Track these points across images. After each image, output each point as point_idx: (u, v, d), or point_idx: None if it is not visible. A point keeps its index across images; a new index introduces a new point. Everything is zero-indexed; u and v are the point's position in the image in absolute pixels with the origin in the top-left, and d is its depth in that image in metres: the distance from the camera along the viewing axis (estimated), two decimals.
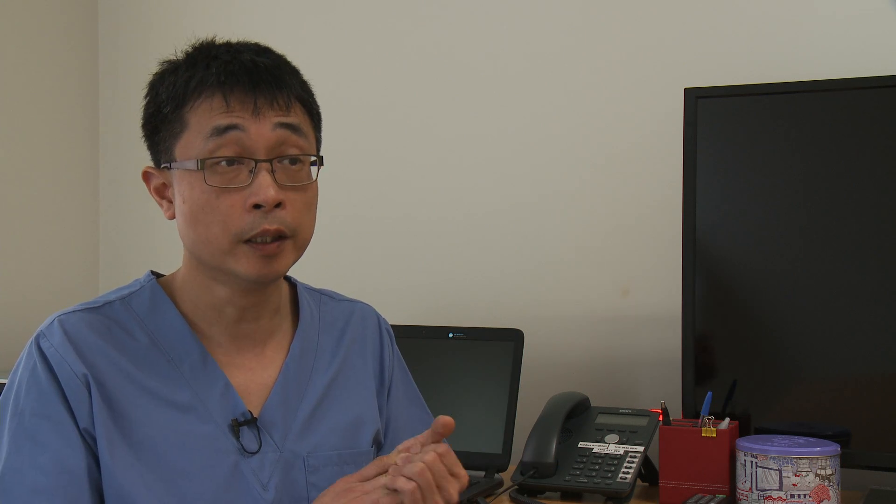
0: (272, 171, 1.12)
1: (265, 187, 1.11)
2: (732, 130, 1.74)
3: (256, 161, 1.12)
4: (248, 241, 1.12)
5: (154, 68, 1.20)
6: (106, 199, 2.55)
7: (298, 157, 1.15)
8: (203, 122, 1.12)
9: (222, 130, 1.11)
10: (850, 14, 1.85)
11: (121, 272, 2.50)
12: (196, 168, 1.12)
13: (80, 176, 2.52)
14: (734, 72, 1.88)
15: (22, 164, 2.36)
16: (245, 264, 1.13)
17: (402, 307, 2.15)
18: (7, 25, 2.32)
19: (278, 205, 1.12)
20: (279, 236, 1.13)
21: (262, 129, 1.12)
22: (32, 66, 2.39)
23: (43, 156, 2.42)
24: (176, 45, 1.20)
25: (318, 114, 1.23)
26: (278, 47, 1.23)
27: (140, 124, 1.21)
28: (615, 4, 2.04)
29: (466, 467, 1.45)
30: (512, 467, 1.85)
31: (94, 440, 1.11)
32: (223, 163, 1.12)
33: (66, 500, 1.08)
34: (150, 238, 2.48)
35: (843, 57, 1.82)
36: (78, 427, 1.10)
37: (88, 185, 2.54)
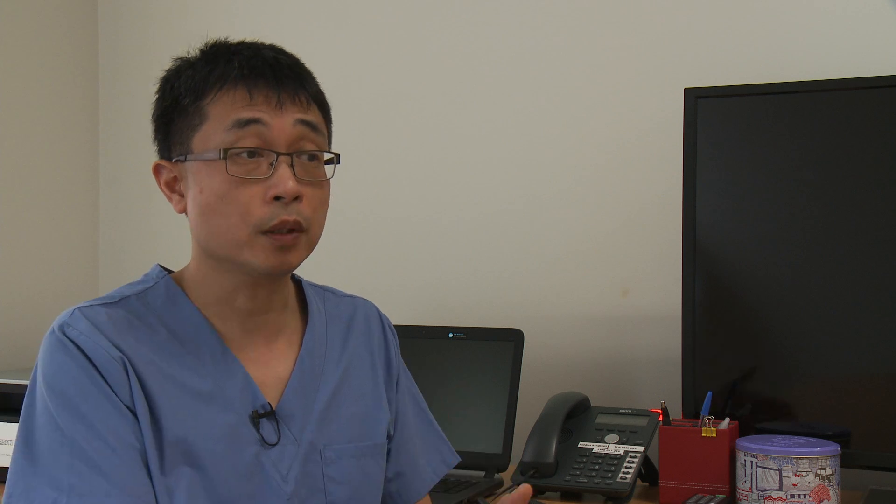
0: (292, 165, 1.14)
1: (285, 179, 1.12)
2: (732, 130, 1.74)
3: (277, 154, 1.13)
4: (265, 233, 1.13)
5: (154, 68, 1.21)
6: (106, 199, 2.55)
7: (317, 152, 1.17)
8: (224, 113, 1.13)
9: (245, 123, 1.13)
10: (850, 14, 1.85)
11: (121, 272, 2.50)
12: (217, 157, 1.12)
13: (80, 176, 2.52)
14: (734, 72, 1.88)
15: (22, 163, 2.36)
16: (262, 256, 1.13)
17: (402, 307, 2.15)
18: (7, 25, 2.32)
19: (297, 198, 1.13)
20: (295, 229, 1.14)
21: (283, 124, 1.14)
22: (32, 66, 2.39)
23: (43, 156, 2.41)
24: (176, 45, 1.21)
25: (330, 115, 1.24)
26: (281, 46, 1.23)
27: (150, 119, 1.21)
28: (615, 4, 2.05)
29: (466, 467, 1.45)
30: (512, 467, 1.85)
31: (137, 419, 1.11)
32: (244, 154, 1.13)
33: (141, 472, 1.08)
34: (150, 237, 2.48)
35: (843, 57, 1.82)
36: (124, 404, 1.10)
37: (88, 185, 2.54)
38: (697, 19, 1.97)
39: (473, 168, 2.17)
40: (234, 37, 1.23)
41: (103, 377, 1.10)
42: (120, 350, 1.11)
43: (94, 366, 1.10)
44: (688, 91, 1.75)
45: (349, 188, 2.28)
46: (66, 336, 1.12)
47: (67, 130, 2.49)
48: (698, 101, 1.74)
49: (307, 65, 1.23)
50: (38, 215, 2.40)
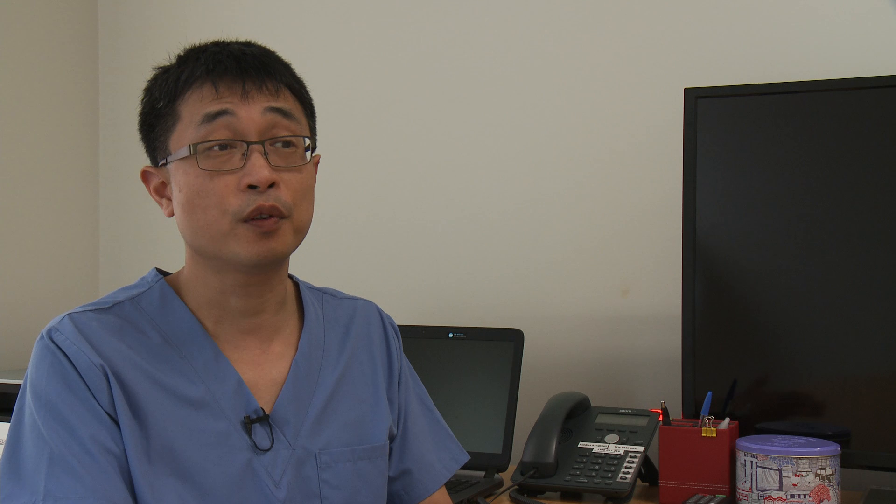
0: (265, 154, 1.13)
1: (258, 168, 1.12)
2: (732, 130, 1.74)
3: (248, 143, 1.13)
4: (245, 221, 1.12)
5: (154, 70, 1.21)
6: (106, 199, 2.55)
7: (290, 138, 1.16)
8: (194, 111, 1.14)
9: (213, 116, 1.13)
10: (850, 14, 1.85)
11: (121, 272, 2.51)
12: (189, 154, 1.13)
13: (80, 176, 2.52)
14: (734, 72, 1.88)
15: (22, 164, 2.36)
16: (245, 245, 1.13)
17: (402, 307, 2.15)
18: (7, 25, 2.32)
19: (272, 185, 1.13)
20: (274, 214, 1.13)
21: (252, 113, 1.14)
22: (32, 66, 2.39)
23: (43, 156, 2.42)
24: (174, 48, 1.21)
25: (311, 104, 1.24)
26: (279, 48, 1.23)
27: (137, 128, 1.22)
28: (615, 4, 2.05)
29: (466, 467, 1.45)
30: (512, 467, 1.85)
31: (118, 427, 1.11)
32: (216, 147, 1.13)
33: (118, 478, 1.08)
34: (150, 238, 2.48)
35: (843, 57, 1.82)
36: (105, 411, 1.10)
37: (88, 185, 2.54)
38: (697, 19, 1.97)
39: (474, 168, 2.17)
40: (233, 37, 1.23)
41: (85, 383, 1.10)
42: (104, 357, 1.12)
43: (77, 371, 1.10)
44: (688, 91, 1.75)
45: (350, 189, 2.28)
46: (53, 341, 1.12)
47: (67, 130, 2.49)
48: (698, 101, 1.74)
49: (306, 66, 1.23)
50: (38, 215, 2.40)
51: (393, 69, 2.25)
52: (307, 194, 1.18)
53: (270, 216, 1.13)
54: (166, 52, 1.21)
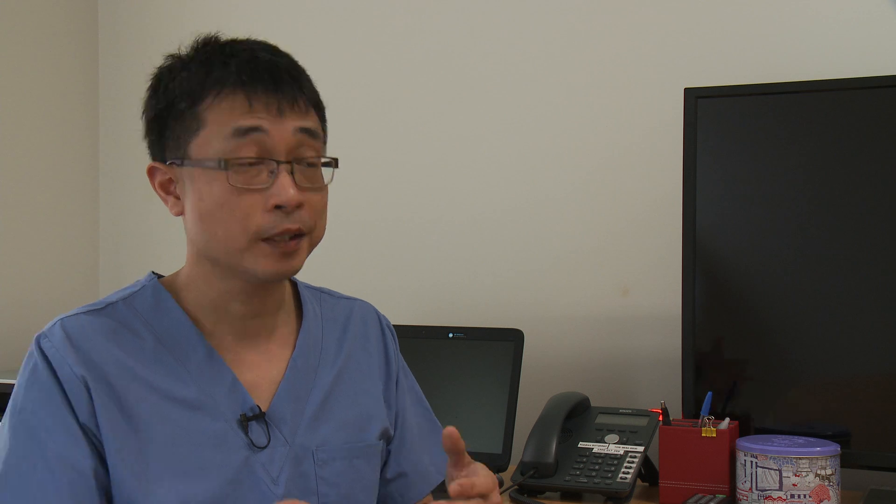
0: (292, 173, 1.13)
1: (286, 188, 1.11)
2: (732, 130, 1.74)
3: (278, 163, 1.12)
4: (266, 240, 1.12)
5: (154, 67, 1.20)
6: (106, 199, 2.55)
7: (317, 161, 1.17)
8: (223, 120, 1.12)
9: (245, 132, 1.11)
10: (850, 14, 1.85)
11: (121, 272, 2.50)
12: (218, 167, 1.11)
13: (80, 176, 2.52)
14: (734, 72, 1.88)
15: (22, 164, 2.36)
16: (263, 262, 1.13)
17: (402, 307, 2.15)
18: (7, 26, 2.32)
19: (298, 206, 1.13)
20: (297, 234, 1.14)
21: (283, 132, 1.13)
22: (32, 66, 2.39)
23: (43, 156, 2.42)
24: (176, 45, 1.20)
25: (326, 119, 1.23)
26: (280, 47, 1.22)
27: (143, 118, 1.19)
28: (615, 4, 2.05)
29: None
30: (512, 467, 1.85)
31: (99, 441, 1.11)
32: (244, 163, 1.12)
33: (72, 498, 1.08)
34: (150, 238, 2.48)
35: (843, 57, 1.82)
36: (80, 425, 1.10)
37: (88, 185, 2.54)
38: (697, 19, 1.97)
39: (473, 169, 2.17)
40: (233, 35, 1.22)
41: (64, 393, 1.10)
42: (93, 363, 1.11)
43: (57, 381, 1.11)
44: (688, 91, 1.75)
45: (350, 189, 2.27)
46: (40, 347, 1.13)
47: (67, 130, 2.49)
48: (698, 101, 1.74)
49: (306, 65, 1.23)
50: (38, 215, 2.40)
51: (393, 69, 2.25)
52: (324, 212, 1.19)
53: (292, 238, 1.13)
54: (167, 51, 1.20)
